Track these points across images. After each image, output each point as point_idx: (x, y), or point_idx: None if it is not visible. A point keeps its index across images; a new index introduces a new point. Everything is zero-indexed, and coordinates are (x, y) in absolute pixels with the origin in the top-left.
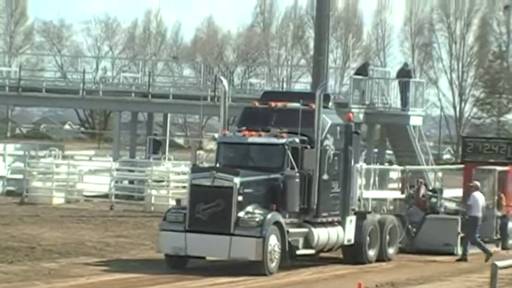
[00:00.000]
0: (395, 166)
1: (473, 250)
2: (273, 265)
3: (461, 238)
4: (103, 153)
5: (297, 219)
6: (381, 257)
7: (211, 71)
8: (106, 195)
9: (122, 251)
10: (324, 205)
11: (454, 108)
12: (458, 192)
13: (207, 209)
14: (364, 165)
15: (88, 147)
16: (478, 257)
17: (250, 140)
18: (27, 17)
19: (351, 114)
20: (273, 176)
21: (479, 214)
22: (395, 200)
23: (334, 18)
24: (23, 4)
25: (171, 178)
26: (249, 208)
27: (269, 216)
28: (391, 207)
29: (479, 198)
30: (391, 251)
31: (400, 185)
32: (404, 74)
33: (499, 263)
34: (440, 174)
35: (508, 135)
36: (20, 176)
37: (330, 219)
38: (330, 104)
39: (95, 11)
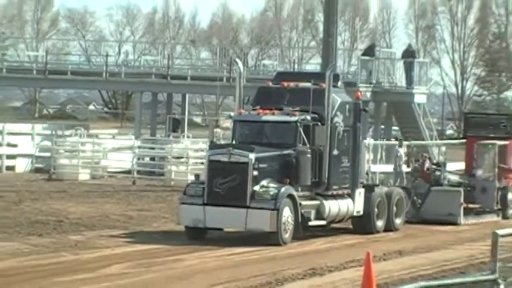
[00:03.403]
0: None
1: (474, 220)
2: (287, 235)
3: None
4: (125, 131)
5: (309, 192)
6: (389, 227)
7: (226, 54)
8: (129, 171)
9: (144, 224)
10: (334, 178)
11: (456, 86)
12: (461, 166)
13: (224, 183)
14: (372, 141)
15: (111, 126)
16: (480, 226)
17: (264, 118)
18: (53, 4)
19: (359, 93)
20: (286, 151)
21: None
22: None
23: (343, 2)
24: None
25: (189, 155)
26: (264, 182)
27: (283, 189)
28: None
29: None
30: (398, 221)
31: (406, 159)
32: (408, 54)
33: (500, 232)
34: (443, 148)
35: (508, 111)
36: (48, 154)
37: (340, 191)
38: (339, 83)
39: None
